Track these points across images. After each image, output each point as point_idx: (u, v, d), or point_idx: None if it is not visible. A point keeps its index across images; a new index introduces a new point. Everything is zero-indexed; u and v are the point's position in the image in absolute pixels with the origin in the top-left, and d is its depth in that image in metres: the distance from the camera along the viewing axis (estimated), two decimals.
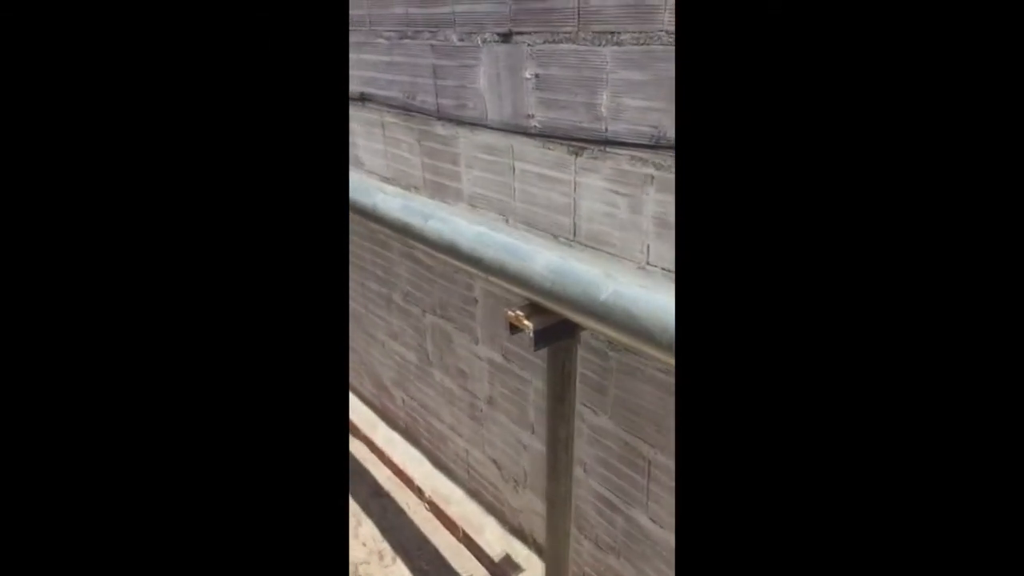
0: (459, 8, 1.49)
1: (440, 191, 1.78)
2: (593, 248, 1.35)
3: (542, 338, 1.13)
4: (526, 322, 1.12)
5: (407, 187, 1.92)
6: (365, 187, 1.56)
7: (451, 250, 1.25)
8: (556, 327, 1.14)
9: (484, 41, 1.45)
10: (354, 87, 2.00)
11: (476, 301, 1.85)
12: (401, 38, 1.71)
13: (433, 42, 1.61)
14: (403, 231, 1.40)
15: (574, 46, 1.24)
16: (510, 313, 1.16)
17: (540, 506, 1.96)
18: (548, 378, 1.27)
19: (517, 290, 1.15)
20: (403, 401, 2.56)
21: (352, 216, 1.77)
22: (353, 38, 1.92)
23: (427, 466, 2.49)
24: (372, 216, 1.50)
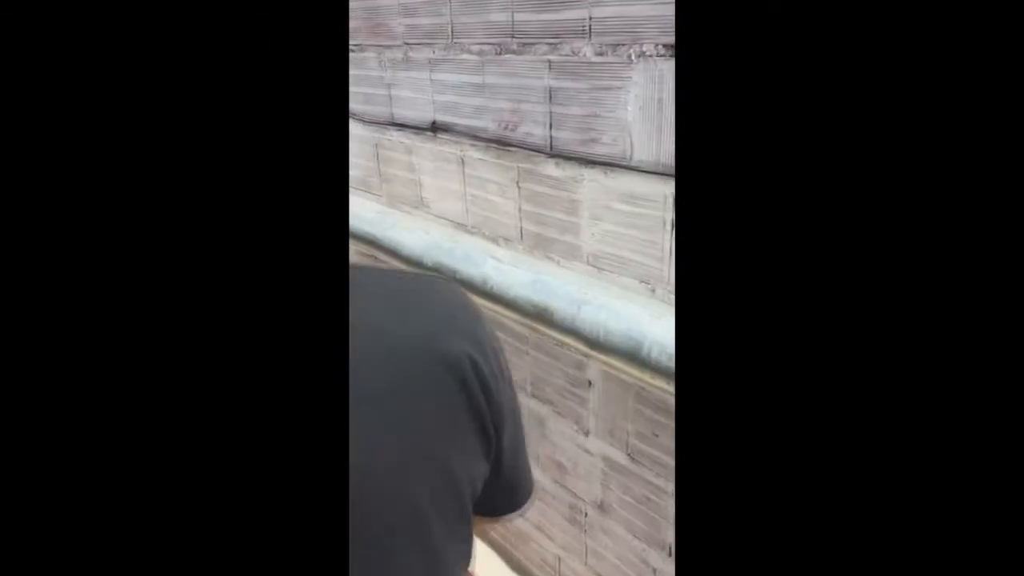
0: (599, 12, 1.10)
1: (544, 245, 1.39)
2: None
3: None
4: None
5: (494, 239, 1.52)
6: (465, 251, 1.15)
7: (629, 355, 0.86)
8: None
9: (639, 55, 1.07)
10: (424, 114, 1.61)
11: (590, 384, 1.45)
12: (500, 53, 1.33)
13: (552, 57, 1.22)
14: (538, 318, 0.99)
15: None
16: None
17: None
18: None
19: None
20: None
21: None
22: (425, 54, 1.54)
23: (497, 562, 2.07)
24: (481, 292, 1.10)
